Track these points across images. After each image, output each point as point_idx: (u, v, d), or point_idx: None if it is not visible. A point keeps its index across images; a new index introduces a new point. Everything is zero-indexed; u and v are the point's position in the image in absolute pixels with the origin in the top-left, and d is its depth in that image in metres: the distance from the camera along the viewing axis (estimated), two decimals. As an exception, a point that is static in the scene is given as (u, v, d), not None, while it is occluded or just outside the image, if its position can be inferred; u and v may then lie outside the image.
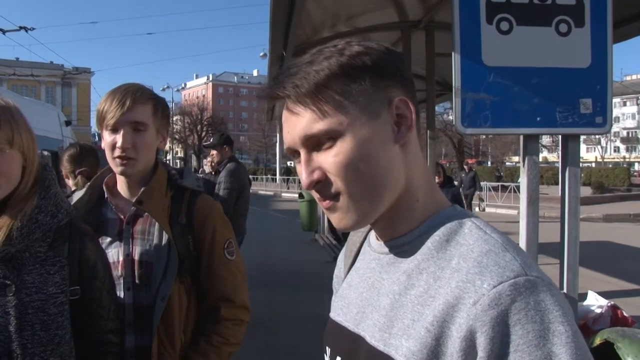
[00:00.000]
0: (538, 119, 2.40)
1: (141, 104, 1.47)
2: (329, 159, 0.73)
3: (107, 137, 1.47)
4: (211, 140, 5.68)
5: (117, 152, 1.45)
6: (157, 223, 1.52)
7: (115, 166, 1.48)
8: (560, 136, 2.71)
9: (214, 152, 5.54)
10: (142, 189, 1.52)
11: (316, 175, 0.74)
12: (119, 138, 1.45)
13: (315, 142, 0.74)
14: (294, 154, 0.78)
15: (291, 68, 0.76)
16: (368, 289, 0.82)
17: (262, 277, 7.62)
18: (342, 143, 0.72)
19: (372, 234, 0.87)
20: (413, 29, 4.93)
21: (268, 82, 0.79)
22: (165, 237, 1.51)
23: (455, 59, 2.32)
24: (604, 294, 3.39)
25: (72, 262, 1.29)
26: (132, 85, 1.51)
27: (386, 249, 0.81)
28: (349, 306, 0.86)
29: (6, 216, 1.22)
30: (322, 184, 0.75)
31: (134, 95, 1.46)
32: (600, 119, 2.45)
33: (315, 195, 0.77)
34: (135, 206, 1.52)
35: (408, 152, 0.77)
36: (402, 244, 0.78)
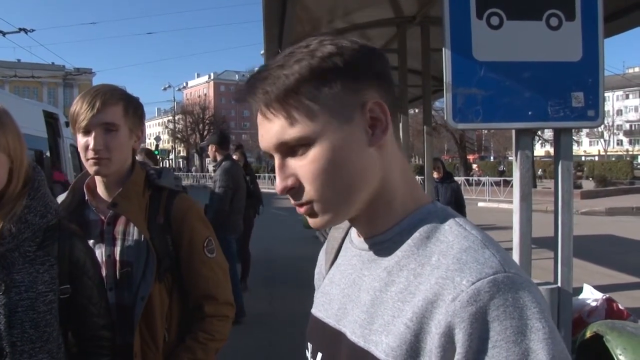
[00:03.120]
0: (530, 113, 2.39)
1: (111, 105, 1.48)
2: (303, 167, 0.73)
3: (81, 140, 1.49)
4: (207, 139, 5.75)
5: (91, 154, 1.47)
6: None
7: (90, 167, 1.50)
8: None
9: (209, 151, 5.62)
10: (118, 191, 1.54)
11: (290, 182, 0.74)
12: (91, 140, 1.47)
13: (288, 148, 0.74)
14: (270, 155, 0.78)
15: (262, 72, 0.75)
16: (349, 285, 0.82)
17: (264, 274, 7.63)
18: (315, 150, 0.72)
19: (354, 230, 0.87)
20: (408, 24, 4.91)
21: (244, 85, 0.78)
22: (143, 237, 1.52)
23: (446, 54, 2.31)
24: (606, 287, 3.39)
25: (62, 262, 1.32)
26: (103, 87, 1.53)
27: (367, 246, 0.81)
28: (330, 302, 0.86)
29: None
30: (295, 190, 0.75)
31: (104, 97, 1.48)
32: (592, 112, 2.44)
33: (291, 200, 0.77)
34: (110, 208, 1.54)
35: (384, 153, 0.76)
36: (382, 241, 0.78)
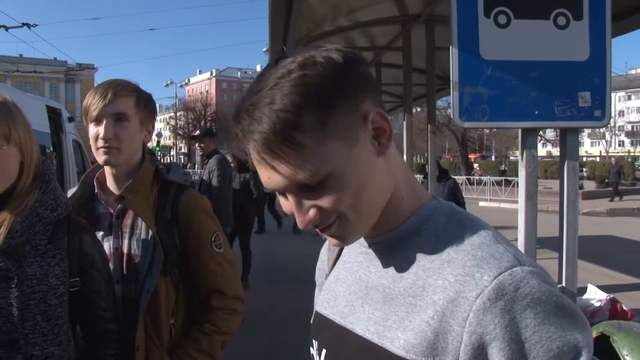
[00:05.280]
0: (536, 112, 2.39)
1: (123, 96, 1.50)
2: (323, 199, 0.70)
3: (91, 129, 1.50)
4: (197, 133, 5.98)
5: (100, 143, 1.48)
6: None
7: (99, 156, 1.51)
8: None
9: (202, 144, 5.86)
10: (126, 185, 1.54)
11: (312, 214, 0.71)
12: (101, 129, 1.48)
13: (301, 186, 0.69)
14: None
15: (253, 111, 0.67)
16: (356, 282, 0.83)
17: (265, 272, 7.64)
18: (331, 181, 0.69)
19: None
20: (413, 22, 4.91)
21: (233, 123, 0.71)
22: (150, 231, 1.53)
23: (453, 53, 2.31)
24: (606, 288, 3.38)
25: (72, 255, 1.33)
26: (116, 80, 1.55)
27: (374, 244, 0.81)
28: (336, 300, 0.86)
29: (8, 210, 1.25)
30: (319, 220, 0.72)
31: (116, 88, 1.49)
32: (599, 112, 2.43)
33: (316, 229, 0.74)
34: (117, 201, 1.54)
35: (390, 160, 0.76)
36: (390, 239, 0.79)
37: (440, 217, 0.76)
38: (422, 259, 0.73)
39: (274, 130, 0.65)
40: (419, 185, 0.84)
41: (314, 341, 0.89)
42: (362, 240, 0.84)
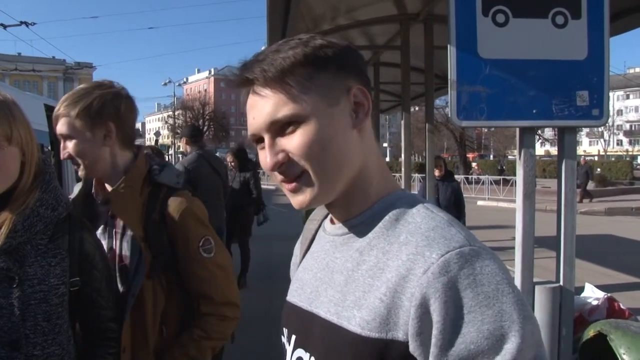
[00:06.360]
0: (534, 111, 2.39)
1: (63, 116, 1.49)
2: (293, 141, 0.78)
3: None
4: (181, 131, 5.94)
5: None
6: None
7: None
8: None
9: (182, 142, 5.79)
10: (112, 188, 1.52)
11: (280, 156, 0.79)
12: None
13: (279, 127, 0.79)
14: (257, 141, 0.82)
15: (259, 55, 0.81)
16: (322, 269, 0.87)
17: (264, 271, 7.65)
18: (305, 127, 0.78)
19: (327, 220, 0.93)
20: (412, 21, 4.90)
21: (240, 67, 0.83)
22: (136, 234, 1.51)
23: (451, 52, 2.31)
24: (605, 287, 3.37)
25: (72, 254, 1.33)
26: (70, 94, 1.52)
27: (340, 231, 0.86)
28: (303, 287, 0.90)
29: (9, 209, 1.24)
30: (285, 165, 0.79)
31: (60, 107, 1.49)
32: (596, 111, 2.44)
33: (279, 177, 0.81)
34: (102, 204, 1.54)
35: (364, 137, 0.83)
36: (356, 225, 0.83)
37: (403, 204, 0.81)
38: (382, 243, 0.78)
39: (272, 69, 0.78)
40: (391, 177, 0.89)
41: (284, 329, 0.92)
42: (329, 228, 0.89)
